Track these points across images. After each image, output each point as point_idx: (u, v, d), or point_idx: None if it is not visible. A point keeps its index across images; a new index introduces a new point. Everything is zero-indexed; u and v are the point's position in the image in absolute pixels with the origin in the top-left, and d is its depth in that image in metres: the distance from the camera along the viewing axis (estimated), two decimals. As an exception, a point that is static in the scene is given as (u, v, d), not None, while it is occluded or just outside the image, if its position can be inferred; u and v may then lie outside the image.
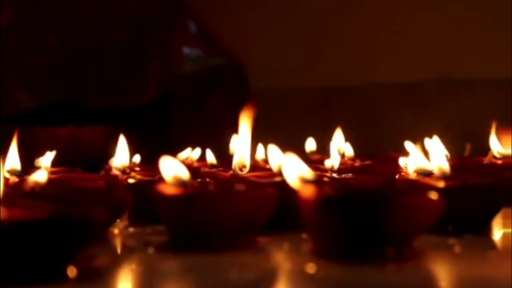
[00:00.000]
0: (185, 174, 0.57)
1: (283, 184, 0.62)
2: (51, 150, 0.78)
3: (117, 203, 0.60)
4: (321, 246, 0.51)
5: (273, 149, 0.64)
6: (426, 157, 0.64)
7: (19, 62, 1.17)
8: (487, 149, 0.81)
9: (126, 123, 1.16)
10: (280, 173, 0.65)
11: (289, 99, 1.41)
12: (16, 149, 0.73)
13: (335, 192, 0.50)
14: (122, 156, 0.74)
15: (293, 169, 0.55)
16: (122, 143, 0.75)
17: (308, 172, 0.54)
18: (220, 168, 0.77)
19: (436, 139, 0.81)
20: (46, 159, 0.76)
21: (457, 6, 1.33)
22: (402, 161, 0.70)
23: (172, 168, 0.57)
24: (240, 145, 0.69)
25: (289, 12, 1.43)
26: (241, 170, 0.69)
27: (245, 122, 0.69)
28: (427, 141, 0.84)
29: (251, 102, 0.68)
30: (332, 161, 0.75)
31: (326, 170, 0.74)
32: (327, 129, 0.93)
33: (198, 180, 0.63)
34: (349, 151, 0.91)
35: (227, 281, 0.46)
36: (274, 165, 0.65)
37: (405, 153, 0.77)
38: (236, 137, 0.71)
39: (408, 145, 0.87)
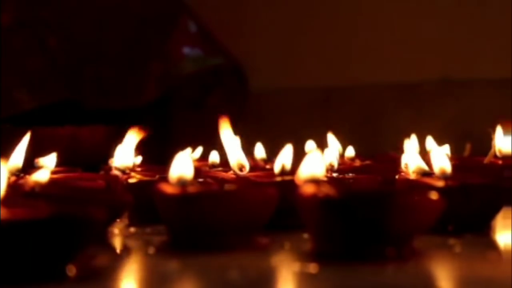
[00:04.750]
0: (189, 175, 0.57)
1: (283, 184, 0.62)
2: (51, 150, 0.78)
3: (117, 203, 0.60)
4: (321, 246, 0.51)
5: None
6: (426, 157, 0.64)
7: (19, 62, 1.17)
8: (487, 149, 0.81)
9: (126, 123, 1.16)
10: (281, 173, 0.65)
11: (289, 99, 1.41)
12: (23, 149, 0.73)
13: (335, 192, 0.50)
14: (125, 156, 0.74)
15: (310, 167, 0.54)
16: (128, 142, 0.75)
17: (320, 173, 0.54)
18: (220, 168, 0.77)
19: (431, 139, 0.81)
20: (50, 160, 0.76)
21: (457, 6, 1.33)
22: (403, 159, 0.70)
23: (181, 167, 0.57)
24: (231, 147, 0.69)
25: (289, 12, 1.43)
26: (241, 170, 0.69)
27: (226, 128, 0.69)
28: (429, 140, 0.84)
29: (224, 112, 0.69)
30: (330, 160, 0.75)
31: (326, 170, 0.73)
32: (327, 129, 0.93)
33: (198, 180, 0.63)
34: (349, 151, 0.91)
35: (227, 281, 0.46)
36: (277, 165, 0.65)
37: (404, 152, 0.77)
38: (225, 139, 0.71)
39: (407, 144, 0.87)
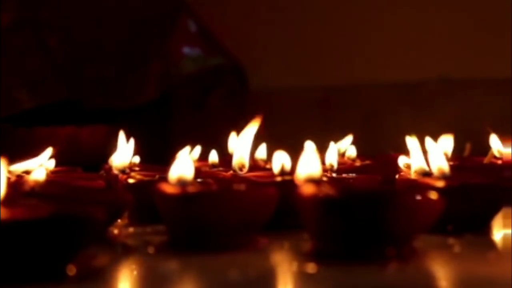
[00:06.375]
0: (189, 175, 0.57)
1: (283, 184, 0.62)
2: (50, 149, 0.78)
3: (117, 203, 0.60)
4: (321, 246, 0.51)
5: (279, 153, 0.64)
6: (426, 157, 0.64)
7: (19, 62, 1.17)
8: (487, 149, 0.81)
9: (126, 123, 1.16)
10: (281, 173, 0.65)
11: (289, 99, 1.41)
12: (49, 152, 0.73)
13: (335, 192, 0.50)
14: (122, 154, 0.74)
15: (306, 166, 0.55)
16: (122, 141, 0.75)
17: (317, 172, 0.54)
18: (220, 168, 0.77)
19: (445, 139, 0.81)
20: (50, 161, 0.76)
21: (457, 6, 1.33)
22: (401, 160, 0.70)
23: (182, 167, 0.57)
24: (240, 145, 0.69)
25: (289, 12, 1.43)
26: (240, 170, 0.69)
27: (252, 126, 0.69)
28: (427, 140, 0.84)
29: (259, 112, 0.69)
30: (330, 160, 0.75)
31: (326, 170, 0.73)
32: (326, 129, 0.93)
33: (198, 180, 0.63)
34: (350, 150, 0.91)
35: (227, 281, 0.46)
36: (276, 166, 0.65)
37: (405, 152, 0.77)
38: (236, 137, 0.71)
39: (410, 143, 0.87)
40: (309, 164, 0.55)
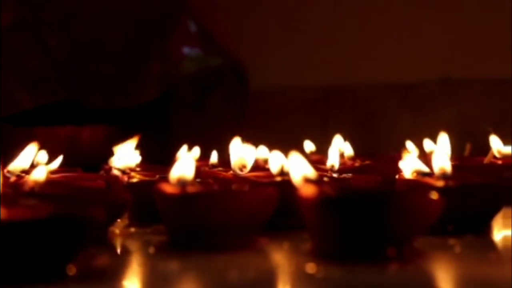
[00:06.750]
0: (189, 175, 0.57)
1: (283, 184, 0.62)
2: (51, 150, 0.78)
3: (117, 203, 0.60)
4: (321, 246, 0.51)
5: (276, 153, 0.64)
6: (425, 158, 0.64)
7: (19, 62, 1.17)
8: (487, 149, 0.81)
9: (126, 123, 1.16)
10: (280, 174, 0.65)
11: (288, 99, 1.41)
12: (34, 150, 0.73)
13: (335, 192, 0.50)
14: (126, 156, 0.73)
15: (297, 168, 0.55)
16: (131, 144, 0.75)
17: (311, 172, 0.55)
18: (220, 168, 0.77)
19: (442, 137, 0.81)
20: (56, 161, 0.76)
21: (457, 6, 1.33)
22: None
23: (182, 167, 0.57)
24: (238, 147, 0.69)
25: (289, 12, 1.43)
26: (241, 170, 0.69)
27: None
28: (426, 141, 0.84)
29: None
30: (332, 161, 0.75)
31: (326, 170, 0.73)
32: (326, 129, 0.93)
33: (198, 180, 0.63)
34: (349, 151, 0.91)
35: (227, 281, 0.46)
36: (275, 167, 0.65)
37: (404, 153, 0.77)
38: (235, 140, 0.71)
39: (409, 145, 0.87)
40: (299, 166, 0.55)
